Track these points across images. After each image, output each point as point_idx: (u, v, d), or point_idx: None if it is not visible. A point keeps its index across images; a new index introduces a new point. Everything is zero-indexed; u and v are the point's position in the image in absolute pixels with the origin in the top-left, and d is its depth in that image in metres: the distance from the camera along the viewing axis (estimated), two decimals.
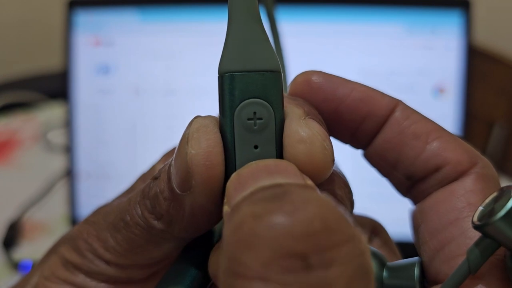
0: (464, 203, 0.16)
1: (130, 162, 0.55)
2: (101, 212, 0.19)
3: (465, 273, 0.15)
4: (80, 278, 0.18)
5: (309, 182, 0.14)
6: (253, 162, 0.15)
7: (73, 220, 0.56)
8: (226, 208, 0.13)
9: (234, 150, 0.15)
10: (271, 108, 0.15)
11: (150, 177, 0.17)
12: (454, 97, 0.53)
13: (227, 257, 0.12)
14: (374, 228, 0.20)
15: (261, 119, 0.15)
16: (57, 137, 0.74)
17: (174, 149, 0.19)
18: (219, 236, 0.18)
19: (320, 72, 0.18)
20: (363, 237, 0.12)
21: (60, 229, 0.59)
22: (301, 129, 0.15)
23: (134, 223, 0.17)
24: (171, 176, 0.16)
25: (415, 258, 0.17)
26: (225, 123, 0.15)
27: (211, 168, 0.15)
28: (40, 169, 0.69)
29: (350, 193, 0.17)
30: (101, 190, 0.56)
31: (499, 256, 0.15)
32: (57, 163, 0.68)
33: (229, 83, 0.15)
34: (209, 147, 0.15)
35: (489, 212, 0.14)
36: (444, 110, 0.53)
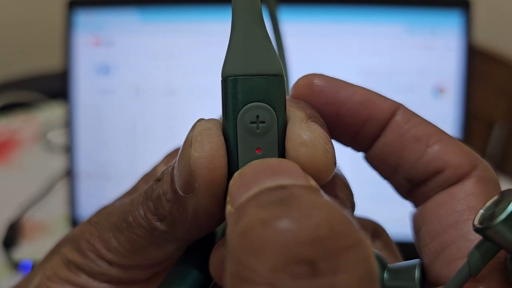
0: (465, 206, 0.16)
1: (130, 162, 0.55)
2: (103, 213, 0.19)
3: (466, 276, 0.15)
4: (82, 279, 0.18)
5: (313, 182, 0.14)
6: (256, 161, 0.15)
7: (73, 220, 0.56)
8: (229, 208, 0.13)
9: (237, 153, 0.15)
10: (273, 111, 0.15)
11: (152, 178, 0.17)
12: (454, 97, 0.53)
13: (234, 261, 0.11)
14: (375, 230, 0.20)
15: (263, 122, 0.15)
16: (57, 137, 0.74)
17: (176, 150, 0.19)
18: (221, 237, 0.18)
19: (322, 75, 0.18)
20: (368, 241, 0.12)
21: (60, 229, 0.59)
22: (303, 132, 0.15)
23: (136, 224, 0.17)
24: (174, 178, 0.16)
25: (416, 260, 0.17)
26: (228, 126, 0.15)
27: (214, 171, 0.15)
28: (40, 169, 0.69)
29: (351, 194, 0.17)
30: (101, 190, 0.56)
31: (499, 258, 0.15)
32: (57, 163, 0.68)
33: (232, 86, 0.15)
34: (212, 150, 0.15)
35: (489, 216, 0.14)
36: (444, 110, 0.53)
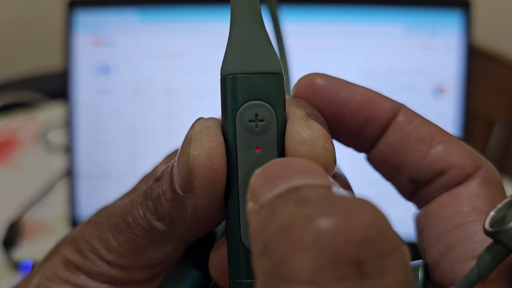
0: (469, 207, 0.16)
1: (130, 162, 0.55)
2: (103, 213, 0.19)
3: (475, 279, 0.15)
4: (82, 279, 0.18)
5: (338, 185, 0.13)
6: (279, 159, 0.14)
7: (73, 220, 0.56)
8: (251, 205, 0.13)
9: (236, 151, 0.15)
10: (273, 110, 0.15)
11: (152, 178, 0.17)
12: (454, 97, 0.53)
13: (272, 258, 0.11)
14: None
15: (262, 121, 0.15)
16: (57, 137, 0.74)
17: (176, 150, 0.19)
18: (221, 237, 0.18)
19: (324, 74, 0.18)
20: (406, 247, 0.11)
21: (60, 229, 0.59)
22: (303, 130, 0.15)
23: (136, 224, 0.17)
24: (173, 177, 0.16)
25: (419, 261, 0.17)
26: (227, 125, 0.15)
27: (213, 170, 0.15)
28: (40, 169, 0.69)
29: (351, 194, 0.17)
30: (101, 190, 0.56)
31: (507, 262, 0.15)
32: (57, 163, 0.68)
33: (231, 85, 0.15)
34: (211, 148, 0.15)
35: (501, 219, 0.14)
36: (444, 110, 0.53)
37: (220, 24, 0.53)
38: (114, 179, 0.55)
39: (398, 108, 0.18)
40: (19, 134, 0.77)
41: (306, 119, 0.15)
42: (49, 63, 0.93)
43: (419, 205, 0.18)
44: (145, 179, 0.20)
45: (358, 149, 0.19)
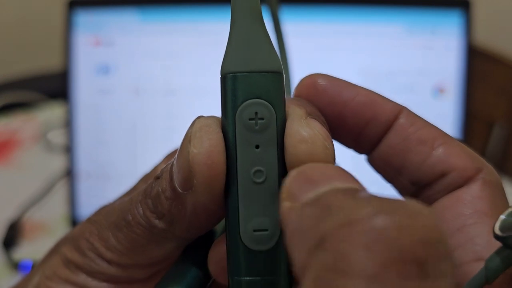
0: (471, 209, 0.16)
1: (130, 162, 0.55)
2: (103, 212, 0.19)
3: (482, 282, 0.15)
4: (81, 278, 0.18)
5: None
6: (316, 163, 0.14)
7: (73, 220, 0.56)
8: (289, 204, 0.13)
9: (236, 149, 0.15)
10: (272, 108, 0.15)
11: (152, 177, 0.17)
12: (454, 97, 0.53)
13: (331, 252, 0.11)
14: None
15: (262, 119, 0.15)
16: (57, 137, 0.74)
17: (176, 150, 0.19)
18: (220, 235, 0.18)
19: (326, 75, 0.18)
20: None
21: (60, 229, 0.59)
22: (303, 129, 0.15)
23: (135, 222, 0.17)
24: (173, 175, 0.16)
25: None
26: (227, 123, 0.15)
27: (212, 167, 0.15)
28: (40, 169, 0.69)
29: None
30: (101, 190, 0.56)
31: None
32: (57, 163, 0.68)
33: (231, 83, 0.15)
34: (211, 146, 0.15)
35: (511, 223, 0.14)
36: (444, 110, 0.53)
37: (220, 24, 0.53)
38: (114, 179, 0.55)
39: (400, 110, 0.18)
40: (19, 134, 0.77)
41: (306, 118, 0.15)
42: (49, 63, 0.93)
43: None
44: (145, 178, 0.20)
45: (359, 150, 0.19)
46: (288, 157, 0.15)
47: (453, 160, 0.17)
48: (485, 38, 0.75)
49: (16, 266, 0.54)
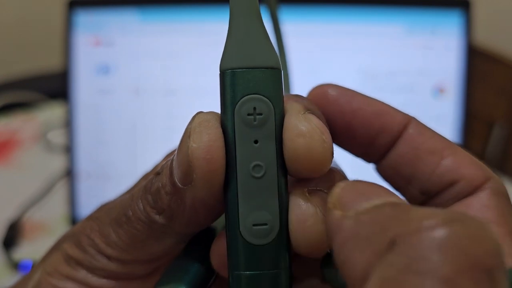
0: (481, 217, 0.17)
1: (130, 162, 0.55)
2: (103, 208, 0.19)
3: None
4: (82, 274, 0.18)
5: None
6: (361, 181, 0.15)
7: (73, 220, 0.56)
8: (339, 213, 0.13)
9: (235, 144, 0.15)
10: (270, 103, 0.15)
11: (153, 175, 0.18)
12: (454, 97, 0.53)
13: (405, 255, 0.11)
14: None
15: (260, 114, 0.15)
16: (57, 137, 0.74)
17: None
18: (221, 231, 0.18)
19: (336, 85, 0.19)
20: None
21: (60, 229, 0.59)
22: (300, 123, 0.15)
23: (136, 218, 0.17)
24: (173, 170, 0.16)
25: None
26: (225, 118, 0.16)
27: (211, 162, 0.15)
28: (40, 169, 0.69)
29: None
30: (101, 190, 0.56)
31: None
32: (57, 163, 0.68)
33: (230, 79, 0.15)
34: (210, 141, 0.15)
35: None
36: (444, 110, 0.53)
37: (220, 24, 0.52)
38: (114, 179, 0.55)
39: (409, 120, 0.19)
40: (19, 134, 0.77)
41: (304, 112, 0.16)
42: (49, 63, 0.93)
43: None
44: (145, 177, 0.20)
45: (368, 159, 0.20)
46: (287, 151, 0.15)
47: (462, 170, 0.17)
48: (485, 38, 0.75)
49: (16, 266, 0.54)
